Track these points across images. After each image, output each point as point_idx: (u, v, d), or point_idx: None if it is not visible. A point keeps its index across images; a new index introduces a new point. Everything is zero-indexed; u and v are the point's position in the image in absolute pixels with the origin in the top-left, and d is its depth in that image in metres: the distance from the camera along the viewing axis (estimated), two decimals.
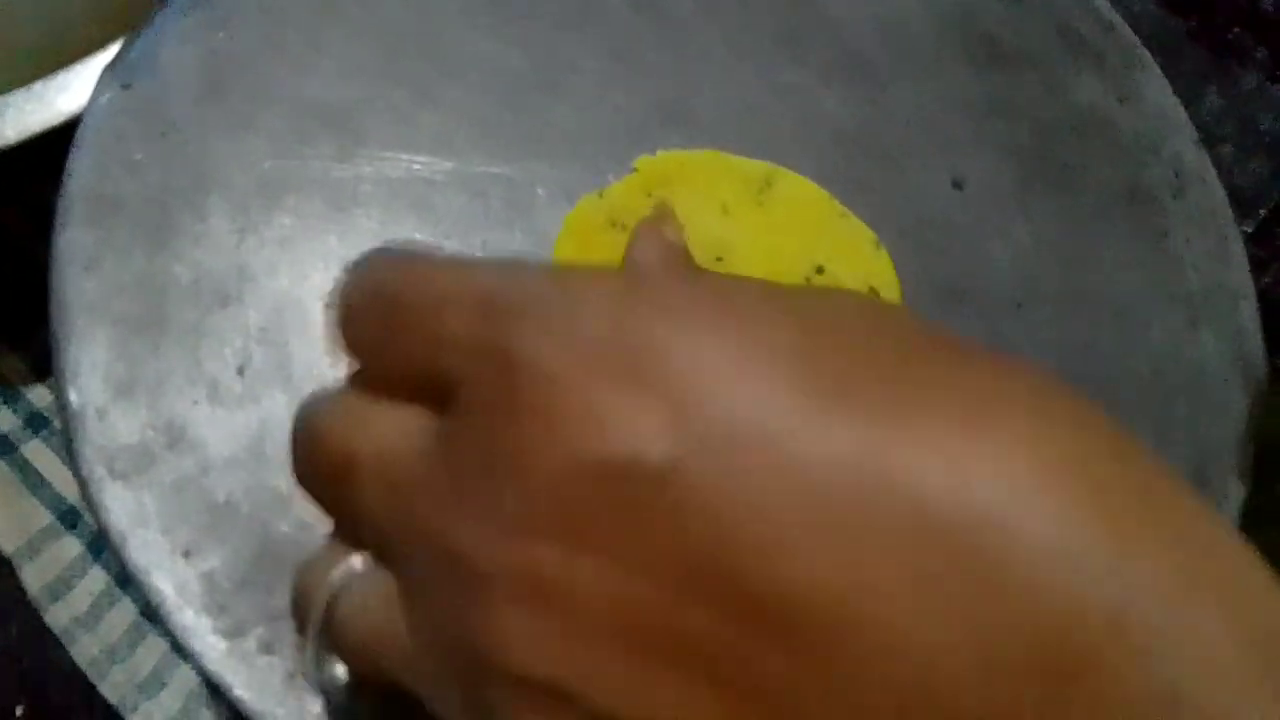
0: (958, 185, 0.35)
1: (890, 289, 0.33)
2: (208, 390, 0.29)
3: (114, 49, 0.34)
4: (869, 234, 0.34)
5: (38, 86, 0.35)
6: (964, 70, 0.36)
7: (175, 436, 0.28)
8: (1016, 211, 0.35)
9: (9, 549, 0.40)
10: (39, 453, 0.41)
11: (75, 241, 0.30)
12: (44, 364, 0.43)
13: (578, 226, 0.32)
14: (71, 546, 0.40)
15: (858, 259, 0.33)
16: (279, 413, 0.29)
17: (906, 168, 0.35)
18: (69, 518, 0.40)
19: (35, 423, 0.42)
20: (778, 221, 0.33)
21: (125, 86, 0.32)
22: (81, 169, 0.30)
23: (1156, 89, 0.37)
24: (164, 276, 0.30)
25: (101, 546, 0.40)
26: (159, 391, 0.29)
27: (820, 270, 0.33)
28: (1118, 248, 0.35)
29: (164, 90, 0.32)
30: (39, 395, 0.43)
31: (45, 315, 0.30)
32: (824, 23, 0.36)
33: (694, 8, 0.36)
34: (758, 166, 0.34)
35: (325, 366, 0.30)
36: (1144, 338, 0.34)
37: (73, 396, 0.28)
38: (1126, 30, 0.37)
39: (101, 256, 0.30)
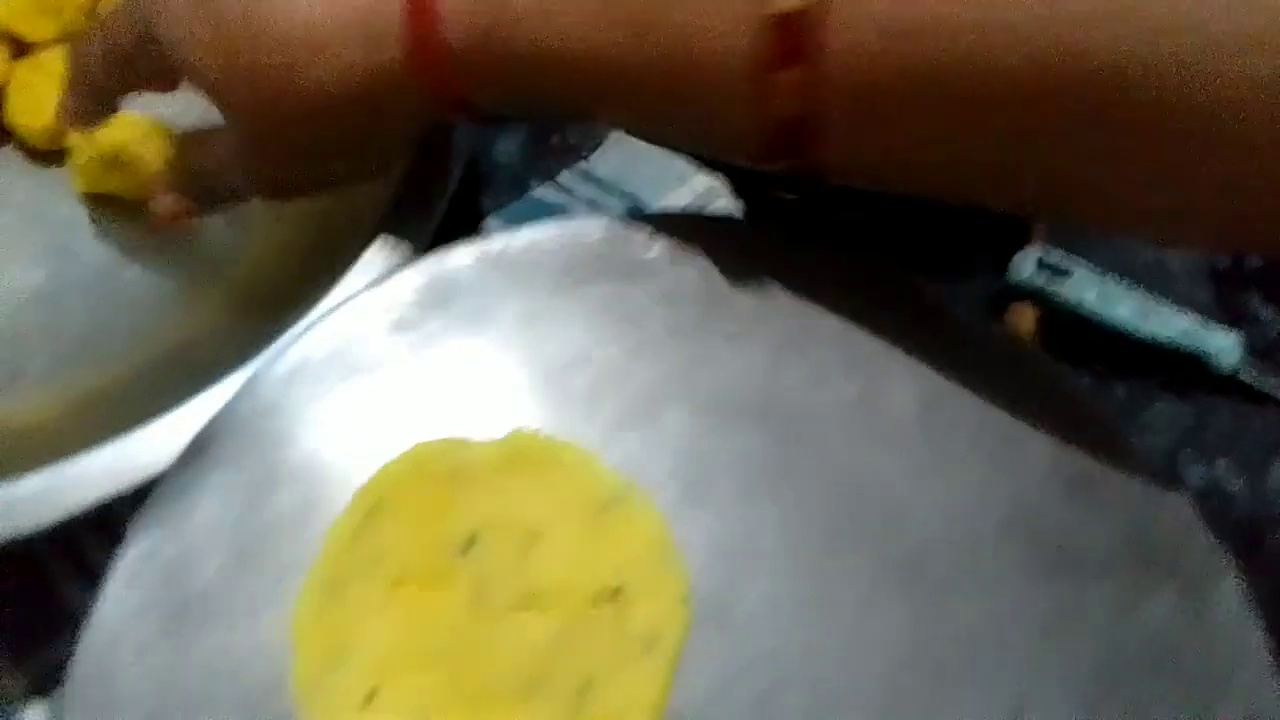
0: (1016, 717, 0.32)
1: None
2: None
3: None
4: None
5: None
6: (1024, 578, 0.34)
7: None
8: None
9: None
10: None
11: None
12: (44, 681, 0.41)
13: None
14: None
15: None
16: None
17: (962, 693, 0.32)
18: None
19: None
20: (601, 534, 0.32)
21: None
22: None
23: (1233, 602, 0.34)
24: None
25: None
26: None
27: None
28: None
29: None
30: (36, 714, 0.40)
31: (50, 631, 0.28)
32: (882, 515, 0.35)
33: (744, 489, 0.35)
34: (612, 484, 0.33)
35: None
36: None
37: None
38: (1205, 532, 0.35)
39: None
